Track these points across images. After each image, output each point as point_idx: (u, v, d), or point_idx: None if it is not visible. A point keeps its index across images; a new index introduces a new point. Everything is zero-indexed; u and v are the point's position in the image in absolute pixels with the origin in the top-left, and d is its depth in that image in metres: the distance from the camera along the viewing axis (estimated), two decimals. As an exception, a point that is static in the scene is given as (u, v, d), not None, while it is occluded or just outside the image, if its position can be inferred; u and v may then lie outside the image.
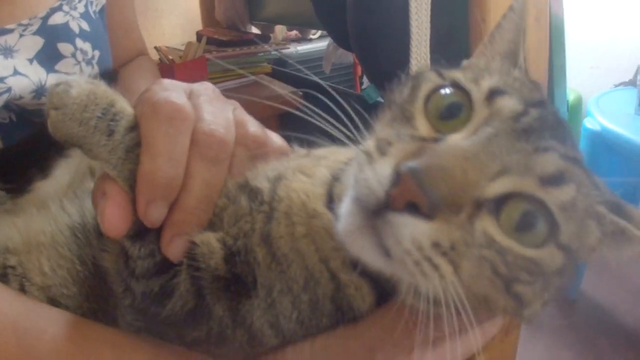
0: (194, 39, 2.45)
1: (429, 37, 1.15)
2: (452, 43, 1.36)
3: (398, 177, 0.42)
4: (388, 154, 0.45)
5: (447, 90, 0.49)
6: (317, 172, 0.56)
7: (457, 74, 0.49)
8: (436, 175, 0.41)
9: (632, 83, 2.40)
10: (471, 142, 0.44)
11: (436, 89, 0.50)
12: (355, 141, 0.51)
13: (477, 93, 0.47)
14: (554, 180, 0.43)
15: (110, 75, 0.92)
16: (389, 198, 0.41)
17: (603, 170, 2.11)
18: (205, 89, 0.60)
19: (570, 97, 2.88)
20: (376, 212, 0.42)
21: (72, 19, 0.90)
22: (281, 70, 2.42)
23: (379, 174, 0.43)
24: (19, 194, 0.67)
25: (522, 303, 0.47)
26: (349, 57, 2.25)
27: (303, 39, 2.83)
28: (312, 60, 2.64)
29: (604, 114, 2.26)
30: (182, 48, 2.11)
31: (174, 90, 0.56)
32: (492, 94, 0.47)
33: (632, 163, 2.20)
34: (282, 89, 2.04)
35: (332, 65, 2.14)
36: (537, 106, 0.47)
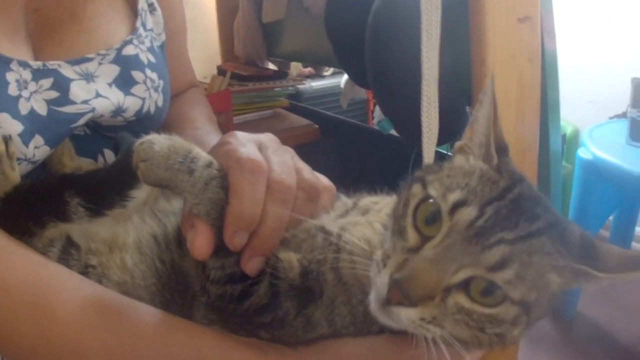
0: (213, 72, 2.59)
1: (437, 77, 1.27)
2: (457, 79, 1.48)
3: (390, 285, 0.59)
4: (387, 265, 0.61)
5: (430, 200, 0.63)
6: (374, 225, 0.71)
7: (432, 190, 0.63)
8: (411, 282, 0.58)
9: (624, 115, 2.50)
10: (435, 252, 0.59)
11: (421, 202, 0.63)
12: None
13: (445, 206, 0.61)
14: (498, 266, 0.57)
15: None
16: (389, 297, 0.59)
17: (596, 196, 2.23)
18: (270, 140, 0.73)
19: (568, 129, 2.97)
20: (385, 303, 0.60)
21: (141, 51, 1.02)
22: (297, 104, 2.54)
23: (382, 282, 0.60)
24: (97, 216, 0.79)
25: (499, 337, 0.62)
26: (362, 93, 2.36)
27: (317, 75, 2.93)
28: (326, 96, 2.75)
29: (596, 144, 2.37)
30: (204, 81, 2.26)
31: (249, 145, 0.69)
32: (454, 207, 0.60)
33: (622, 189, 2.31)
34: (299, 122, 2.20)
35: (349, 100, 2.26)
36: (497, 199, 0.60)
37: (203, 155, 0.67)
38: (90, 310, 0.68)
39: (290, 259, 0.68)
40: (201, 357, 0.67)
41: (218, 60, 2.82)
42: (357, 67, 1.71)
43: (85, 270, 0.74)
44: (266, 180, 0.67)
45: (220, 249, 0.66)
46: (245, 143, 0.70)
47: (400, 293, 0.59)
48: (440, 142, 1.38)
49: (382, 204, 0.76)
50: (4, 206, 0.80)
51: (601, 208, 2.42)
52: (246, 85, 2.32)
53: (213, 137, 1.07)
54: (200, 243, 0.65)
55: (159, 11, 1.11)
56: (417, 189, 0.64)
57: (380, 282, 0.61)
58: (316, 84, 2.84)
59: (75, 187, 0.77)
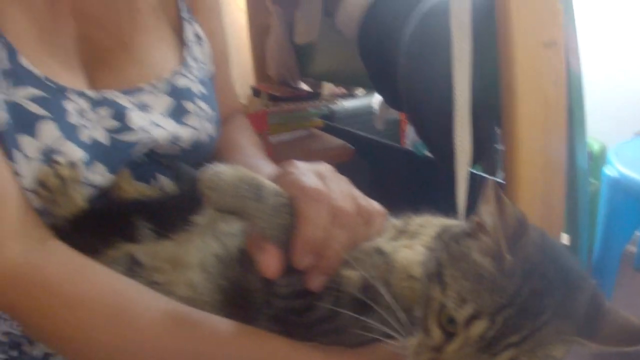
0: (245, 92, 2.66)
1: (468, 101, 1.35)
2: (486, 101, 1.51)
3: None
4: None
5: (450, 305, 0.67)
6: (416, 248, 0.77)
7: (448, 301, 0.66)
8: None
9: (652, 132, 2.55)
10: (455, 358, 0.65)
11: (440, 308, 0.68)
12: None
13: (460, 318, 0.65)
14: None
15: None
16: None
17: (622, 213, 2.28)
18: (326, 170, 0.80)
19: (595, 147, 2.98)
20: None
21: (192, 83, 1.08)
22: (331, 124, 2.59)
23: None
24: (162, 238, 0.87)
25: None
26: (396, 114, 2.38)
27: (349, 95, 2.98)
28: (359, 116, 2.79)
29: (622, 161, 2.42)
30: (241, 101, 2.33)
31: (310, 175, 0.76)
32: (469, 320, 0.64)
33: None
34: (334, 142, 2.27)
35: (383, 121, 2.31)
36: (506, 306, 0.63)
37: (269, 184, 0.74)
38: (166, 318, 0.75)
39: (352, 275, 0.75)
40: (274, 356, 0.74)
41: (251, 80, 2.87)
42: (391, 89, 1.77)
43: (150, 287, 0.80)
44: (329, 206, 0.74)
45: (286, 268, 0.73)
46: (306, 173, 0.77)
47: None
48: (474, 162, 1.44)
49: (428, 227, 0.82)
50: (71, 226, 0.88)
51: (627, 224, 2.46)
52: (281, 106, 2.38)
53: (262, 163, 1.13)
54: (271, 264, 0.72)
55: (206, 42, 1.17)
56: (436, 292, 0.68)
57: None
58: (348, 103, 2.89)
59: (144, 212, 0.85)
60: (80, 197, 0.90)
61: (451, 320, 0.66)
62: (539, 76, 1.49)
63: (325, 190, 0.75)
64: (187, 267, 0.83)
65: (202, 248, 0.84)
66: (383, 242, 0.79)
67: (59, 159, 0.87)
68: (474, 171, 1.70)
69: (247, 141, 1.24)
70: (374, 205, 0.82)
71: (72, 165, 0.88)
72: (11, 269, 0.77)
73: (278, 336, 0.76)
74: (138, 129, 0.96)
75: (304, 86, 2.78)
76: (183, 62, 1.10)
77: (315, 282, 0.74)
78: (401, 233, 0.82)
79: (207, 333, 0.75)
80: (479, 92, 1.46)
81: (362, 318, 0.72)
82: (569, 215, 2.40)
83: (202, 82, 1.12)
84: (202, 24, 1.18)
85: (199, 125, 1.06)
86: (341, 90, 3.01)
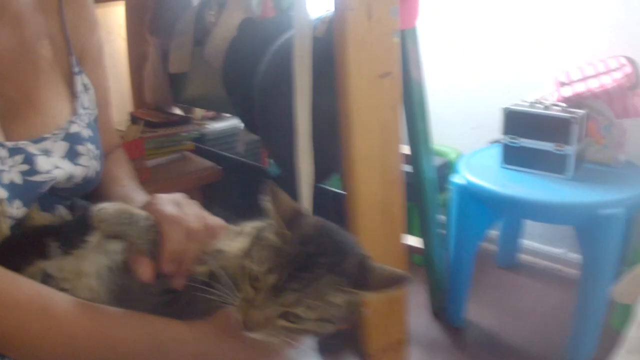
0: (124, 118, 2.80)
1: (309, 130, 1.54)
2: (331, 127, 1.69)
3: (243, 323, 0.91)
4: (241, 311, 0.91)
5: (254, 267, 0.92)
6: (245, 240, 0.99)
7: (253, 265, 0.90)
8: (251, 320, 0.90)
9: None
10: (262, 301, 0.89)
11: (250, 271, 0.92)
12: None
13: (260, 273, 0.89)
14: (295, 305, 0.87)
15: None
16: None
17: (472, 217, 2.47)
18: (181, 198, 1.08)
19: (452, 155, 3.18)
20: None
21: (82, 128, 1.23)
22: (202, 147, 2.74)
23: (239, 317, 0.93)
24: (66, 255, 1.04)
25: (317, 334, 0.94)
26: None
27: (219, 117, 3.09)
28: (229, 136, 2.93)
29: (471, 169, 2.54)
30: (119, 127, 2.39)
31: (170, 205, 1.03)
32: (266, 274, 0.88)
33: (494, 210, 2.56)
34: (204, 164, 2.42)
35: (246, 143, 2.50)
36: (289, 264, 0.88)
37: (139, 212, 1.01)
38: (77, 308, 0.97)
39: (201, 269, 1.00)
40: (152, 324, 0.98)
41: (129, 106, 3.00)
42: (249, 116, 1.97)
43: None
44: (184, 227, 1.00)
45: (156, 273, 0.98)
46: (167, 202, 1.04)
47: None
48: (320, 180, 1.63)
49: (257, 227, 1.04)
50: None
51: (477, 226, 2.62)
52: (156, 132, 2.55)
53: (135, 193, 1.30)
54: (146, 271, 0.98)
55: (91, 90, 1.32)
56: (247, 262, 0.92)
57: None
58: (218, 125, 3.01)
59: (53, 234, 1.05)
60: (6, 227, 1.08)
61: (256, 279, 0.89)
62: (374, 104, 1.69)
63: (180, 214, 1.02)
64: (86, 275, 1.02)
65: (96, 261, 1.04)
66: (222, 244, 1.04)
67: None
68: (326, 187, 1.88)
69: (123, 173, 1.41)
70: (217, 221, 1.08)
71: (2, 202, 1.05)
72: None
73: (153, 316, 0.99)
74: (44, 171, 1.12)
75: (178, 111, 2.92)
76: (75, 112, 1.25)
77: (178, 283, 1.00)
78: (238, 234, 1.05)
79: (106, 316, 0.98)
80: (324, 121, 1.66)
81: (211, 297, 0.95)
82: (421, 219, 2.62)
83: (89, 126, 1.27)
84: (88, 73, 1.33)
85: (88, 163, 1.22)
86: (212, 113, 3.13)
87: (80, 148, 1.21)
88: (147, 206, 1.04)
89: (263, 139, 1.93)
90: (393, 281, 0.91)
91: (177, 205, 1.05)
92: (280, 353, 0.98)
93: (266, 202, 0.93)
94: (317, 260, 0.88)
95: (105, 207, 1.01)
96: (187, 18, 2.58)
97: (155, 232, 1.00)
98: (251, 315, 0.89)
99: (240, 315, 0.90)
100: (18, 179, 1.09)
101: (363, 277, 0.90)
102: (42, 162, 1.13)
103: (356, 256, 0.93)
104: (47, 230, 1.04)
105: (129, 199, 1.21)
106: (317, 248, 0.90)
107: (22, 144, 1.12)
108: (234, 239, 1.03)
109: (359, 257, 0.93)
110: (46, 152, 1.15)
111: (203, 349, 0.99)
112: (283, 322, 0.89)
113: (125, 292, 1.02)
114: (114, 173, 1.37)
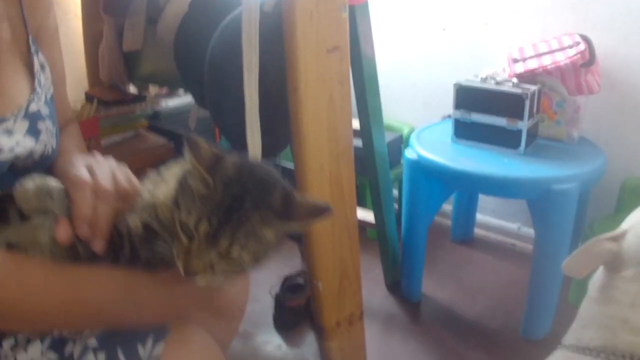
0: (82, 96, 2.83)
1: (257, 105, 1.55)
2: (282, 102, 1.70)
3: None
4: (178, 257, 0.97)
5: (183, 218, 0.95)
6: (169, 185, 1.01)
7: (182, 215, 0.94)
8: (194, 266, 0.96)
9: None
10: (198, 250, 0.94)
11: (181, 221, 0.95)
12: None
13: (191, 223, 0.93)
14: (229, 247, 0.92)
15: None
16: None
17: (423, 191, 2.50)
18: (97, 161, 1.10)
19: (405, 130, 3.21)
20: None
21: (40, 106, 1.25)
22: (155, 125, 2.79)
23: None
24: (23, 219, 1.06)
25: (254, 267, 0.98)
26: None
27: (173, 95, 3.09)
28: (182, 113, 2.94)
29: (423, 144, 2.54)
30: (74, 105, 2.47)
31: (81, 168, 1.05)
32: (197, 225, 0.92)
33: (446, 185, 2.57)
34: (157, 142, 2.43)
35: (197, 119, 2.48)
36: (217, 209, 0.93)
37: (56, 185, 1.03)
38: (50, 271, 1.00)
39: (135, 223, 1.02)
40: (124, 276, 1.03)
41: (85, 84, 3.00)
42: (199, 91, 1.97)
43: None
44: (92, 191, 1.02)
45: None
46: (79, 167, 1.06)
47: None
48: (270, 155, 1.64)
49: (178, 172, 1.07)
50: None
51: (430, 201, 2.61)
52: (110, 110, 2.58)
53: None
54: (62, 232, 0.99)
55: (47, 68, 1.35)
56: (177, 213, 0.95)
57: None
58: (172, 102, 3.03)
59: (12, 201, 1.05)
60: None
61: (188, 229, 0.93)
62: (322, 79, 1.70)
63: (87, 178, 1.03)
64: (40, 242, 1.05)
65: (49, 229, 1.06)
66: (147, 195, 1.06)
67: None
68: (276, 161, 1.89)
69: (72, 145, 1.43)
70: (132, 181, 1.10)
71: None
72: None
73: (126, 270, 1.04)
74: (7, 150, 1.15)
75: (133, 88, 2.94)
76: (34, 91, 1.27)
77: (98, 246, 1.01)
78: (160, 182, 1.06)
79: (78, 275, 1.01)
80: (273, 96, 1.68)
81: (155, 249, 1.00)
82: (373, 193, 2.64)
83: (46, 104, 1.29)
84: (44, 51, 1.35)
85: (47, 140, 1.25)
86: (165, 90, 3.13)
87: (40, 124, 1.23)
88: (63, 174, 1.07)
89: (213, 114, 1.92)
90: (317, 211, 0.96)
91: (89, 169, 1.06)
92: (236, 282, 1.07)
93: (186, 152, 0.94)
94: (243, 200, 0.92)
95: (25, 184, 1.02)
96: (141, -3, 2.57)
97: (66, 194, 1.03)
98: (190, 264, 0.93)
99: (180, 264, 0.94)
100: None
101: (288, 209, 0.95)
102: (5, 142, 1.15)
103: (280, 190, 0.97)
104: (7, 196, 1.06)
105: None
106: (241, 188, 0.93)
107: None
108: (157, 187, 1.05)
109: (283, 190, 0.97)
110: (8, 132, 1.17)
111: (175, 293, 1.05)
112: (222, 265, 0.93)
113: (72, 254, 1.04)
114: (64, 146, 1.39)
